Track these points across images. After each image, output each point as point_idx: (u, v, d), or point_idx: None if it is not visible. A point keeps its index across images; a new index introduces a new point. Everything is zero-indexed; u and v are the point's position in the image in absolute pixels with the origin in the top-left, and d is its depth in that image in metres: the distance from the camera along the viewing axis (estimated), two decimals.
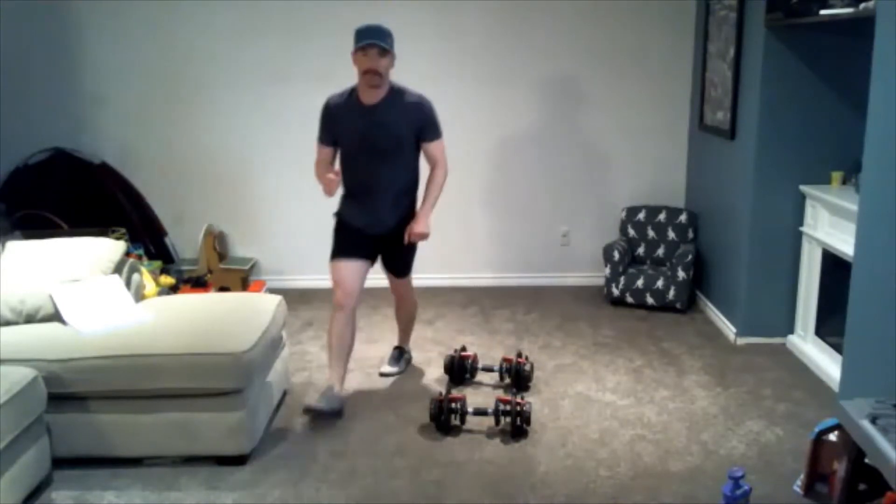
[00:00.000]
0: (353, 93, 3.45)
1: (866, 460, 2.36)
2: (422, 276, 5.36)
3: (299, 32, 5.05)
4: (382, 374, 3.93)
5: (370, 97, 3.38)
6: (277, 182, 5.25)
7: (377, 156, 3.43)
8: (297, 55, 5.09)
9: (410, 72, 5.10)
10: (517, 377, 3.73)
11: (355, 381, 3.89)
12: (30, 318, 3.23)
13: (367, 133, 3.41)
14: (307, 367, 4.05)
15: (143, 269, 4.25)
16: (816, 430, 2.82)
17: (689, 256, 4.80)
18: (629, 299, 4.91)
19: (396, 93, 3.42)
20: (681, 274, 4.76)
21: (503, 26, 5.08)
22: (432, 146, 3.52)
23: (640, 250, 5.23)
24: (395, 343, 4.12)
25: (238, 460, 3.09)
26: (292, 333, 4.39)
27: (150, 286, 4.21)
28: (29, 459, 2.78)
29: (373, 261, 3.68)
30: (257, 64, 5.08)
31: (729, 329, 4.44)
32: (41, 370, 2.86)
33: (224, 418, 3.02)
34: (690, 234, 5.11)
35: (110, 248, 3.59)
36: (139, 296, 3.65)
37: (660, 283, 4.82)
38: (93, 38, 5.07)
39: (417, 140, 3.49)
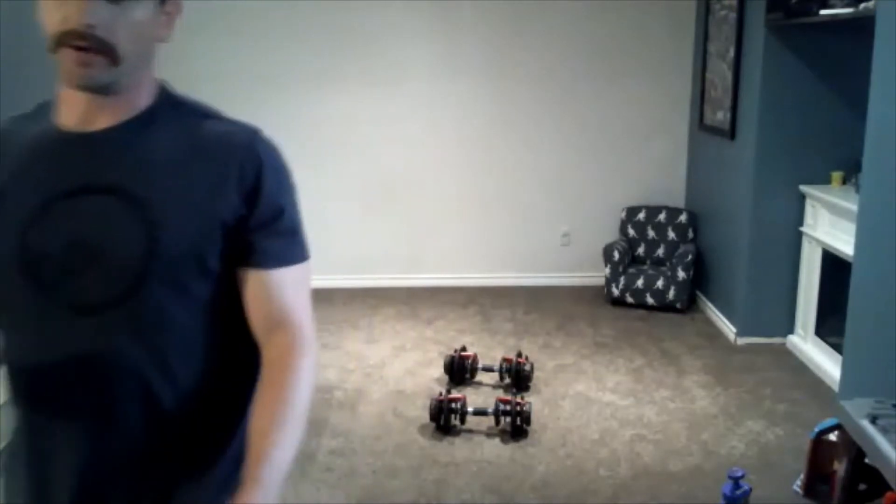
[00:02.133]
0: (42, 111, 1.22)
1: (866, 460, 2.36)
2: (422, 276, 5.40)
3: (296, 33, 5.05)
4: None
5: (85, 113, 1.13)
6: None
7: (101, 299, 1.09)
8: (296, 55, 5.09)
9: (409, 70, 5.16)
10: (517, 377, 3.73)
11: (355, 380, 3.89)
12: None
13: (66, 219, 1.10)
14: None
15: None
16: (816, 430, 2.83)
17: (689, 256, 4.80)
18: (629, 299, 4.91)
19: (176, 108, 1.22)
20: (681, 274, 4.76)
21: (503, 27, 5.08)
22: (279, 278, 1.16)
23: (640, 250, 5.23)
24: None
25: None
26: None
27: None
28: None
29: None
30: (257, 64, 5.08)
31: (729, 329, 4.44)
32: None
33: None
34: (690, 234, 5.11)
35: None
36: None
37: (660, 283, 4.82)
38: None
39: (235, 258, 1.15)
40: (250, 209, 1.14)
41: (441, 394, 3.40)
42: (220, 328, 1.17)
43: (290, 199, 1.21)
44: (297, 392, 1.12)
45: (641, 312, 4.85)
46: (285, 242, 1.18)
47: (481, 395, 3.70)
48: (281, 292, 1.15)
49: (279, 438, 1.08)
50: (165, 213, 1.10)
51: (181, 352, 1.13)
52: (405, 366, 4.07)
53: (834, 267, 3.83)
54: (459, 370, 3.81)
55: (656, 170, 5.32)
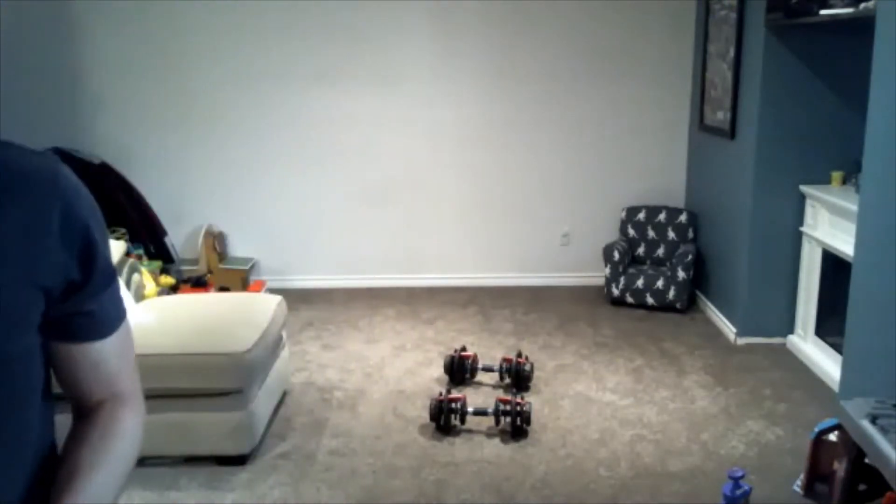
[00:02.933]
0: None
1: (866, 460, 2.36)
2: (422, 276, 5.40)
3: (299, 32, 5.05)
4: None
5: None
6: (277, 182, 5.26)
7: None
8: (296, 55, 5.09)
9: (409, 70, 5.15)
10: (517, 377, 3.73)
11: (355, 380, 3.89)
12: None
13: None
14: (307, 367, 4.05)
15: (143, 269, 4.26)
16: (816, 430, 2.82)
17: (689, 256, 4.80)
18: (629, 299, 4.91)
19: None
20: (681, 274, 4.76)
21: (503, 27, 5.08)
22: (109, 346, 0.97)
23: (640, 250, 5.23)
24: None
25: (238, 460, 3.09)
26: (292, 333, 4.39)
27: (150, 286, 4.21)
28: None
29: None
30: (257, 64, 5.08)
31: (729, 329, 4.44)
32: None
33: (224, 418, 3.02)
34: (690, 234, 5.11)
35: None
36: (139, 296, 3.65)
37: (660, 283, 4.82)
38: (93, 37, 5.07)
39: (52, 330, 0.91)
40: (86, 274, 0.90)
41: (441, 394, 3.40)
42: (38, 415, 0.92)
43: (109, 243, 0.96)
44: (122, 443, 0.96)
45: (641, 312, 4.85)
46: (114, 304, 0.97)
47: (481, 395, 3.70)
48: (112, 359, 0.98)
49: (98, 479, 0.90)
50: None
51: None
52: (405, 366, 4.07)
53: (834, 267, 3.83)
54: (459, 370, 3.81)
55: (656, 170, 5.32)
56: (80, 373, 0.96)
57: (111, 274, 0.95)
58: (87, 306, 0.92)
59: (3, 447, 0.87)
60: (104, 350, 0.96)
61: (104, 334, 0.95)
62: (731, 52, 4.32)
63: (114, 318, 0.97)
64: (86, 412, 0.98)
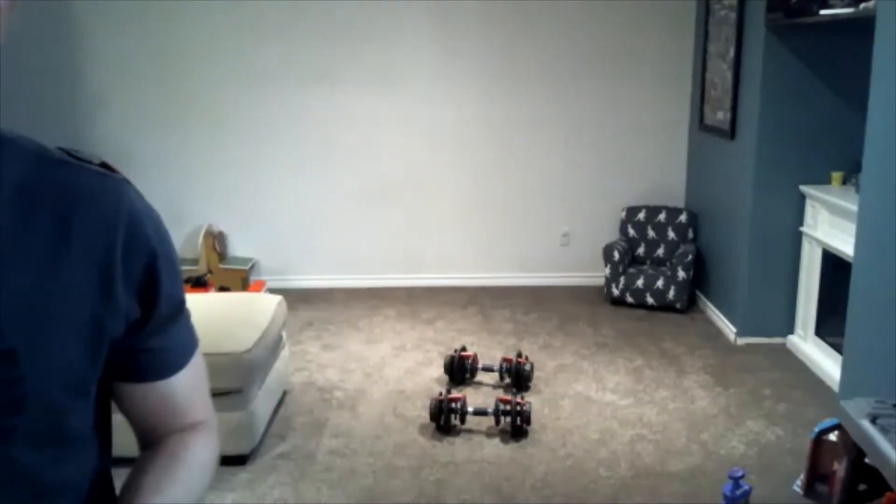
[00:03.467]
0: None
1: (866, 460, 2.36)
2: (422, 276, 5.40)
3: (298, 32, 5.05)
4: None
5: None
6: (277, 182, 5.25)
7: None
8: (296, 55, 5.09)
9: (409, 70, 5.15)
10: (517, 377, 3.73)
11: (355, 380, 3.89)
12: None
13: None
14: (307, 367, 4.05)
15: None
16: (816, 430, 2.83)
17: (689, 256, 4.80)
18: (629, 299, 4.91)
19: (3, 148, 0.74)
20: (681, 274, 4.76)
21: (503, 26, 5.08)
22: (179, 382, 0.89)
23: (640, 250, 5.23)
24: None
25: (238, 460, 3.09)
26: (292, 333, 4.39)
27: None
28: None
29: None
30: (257, 64, 5.08)
31: (729, 329, 4.44)
32: None
33: (224, 418, 3.01)
34: (690, 234, 5.11)
35: None
36: None
37: (660, 283, 4.82)
38: (93, 37, 5.07)
39: (116, 371, 0.83)
40: (147, 310, 0.81)
41: (441, 394, 3.40)
42: (98, 463, 0.86)
43: (180, 274, 0.87)
44: (189, 470, 0.86)
45: (641, 312, 4.85)
46: (183, 337, 0.89)
47: (481, 395, 3.70)
48: (183, 394, 0.89)
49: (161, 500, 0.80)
50: (23, 344, 0.70)
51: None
52: (405, 366, 4.07)
53: (834, 267, 3.83)
54: (459, 370, 3.81)
55: (656, 170, 5.32)
56: (146, 410, 0.88)
57: (178, 306, 0.86)
58: (150, 344, 0.83)
59: (61, 492, 0.80)
60: (172, 386, 0.87)
61: (172, 371, 0.86)
62: (731, 52, 4.32)
63: (183, 352, 0.88)
64: (154, 442, 0.90)
